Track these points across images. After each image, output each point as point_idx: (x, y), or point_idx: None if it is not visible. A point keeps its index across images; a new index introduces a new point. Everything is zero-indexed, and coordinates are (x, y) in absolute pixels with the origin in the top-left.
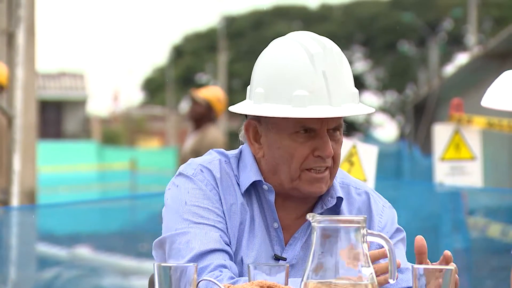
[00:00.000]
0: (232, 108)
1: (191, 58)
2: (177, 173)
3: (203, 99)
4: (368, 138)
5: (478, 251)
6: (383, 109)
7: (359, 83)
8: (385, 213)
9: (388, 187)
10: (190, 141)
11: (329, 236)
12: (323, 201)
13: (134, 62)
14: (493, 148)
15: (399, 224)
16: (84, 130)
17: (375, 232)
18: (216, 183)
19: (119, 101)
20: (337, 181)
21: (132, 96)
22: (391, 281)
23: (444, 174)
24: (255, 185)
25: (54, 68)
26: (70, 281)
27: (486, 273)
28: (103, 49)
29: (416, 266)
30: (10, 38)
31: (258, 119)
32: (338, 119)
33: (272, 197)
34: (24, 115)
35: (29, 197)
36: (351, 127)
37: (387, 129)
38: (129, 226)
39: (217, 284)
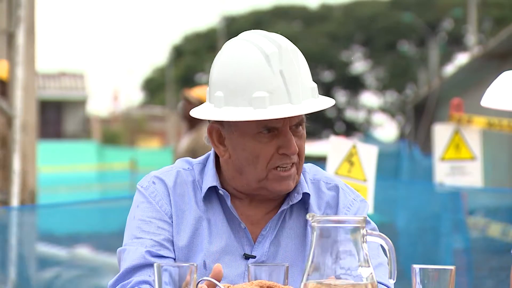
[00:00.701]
0: (193, 113)
1: (191, 58)
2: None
3: (195, 98)
4: (368, 138)
5: (478, 251)
6: (383, 109)
7: (359, 83)
8: (354, 205)
9: (388, 187)
10: (184, 141)
11: (328, 236)
12: (290, 197)
13: (134, 62)
14: (493, 148)
15: (399, 224)
16: (84, 130)
17: (375, 232)
18: (168, 192)
19: (119, 101)
20: (307, 177)
21: (132, 96)
22: (391, 281)
23: (444, 174)
24: (216, 190)
25: (54, 68)
26: (70, 281)
27: (486, 273)
28: (103, 49)
29: (415, 266)
30: (10, 38)
31: (221, 122)
32: (301, 115)
33: (228, 202)
34: (24, 115)
35: (29, 197)
36: (351, 127)
37: (387, 129)
38: None
39: (217, 285)
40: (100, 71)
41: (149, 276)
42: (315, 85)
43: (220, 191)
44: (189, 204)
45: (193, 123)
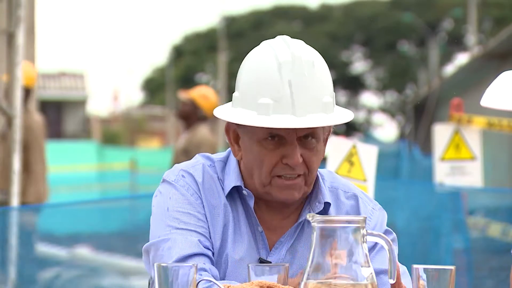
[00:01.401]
0: (215, 111)
1: (191, 58)
2: (162, 179)
3: (187, 98)
4: (368, 138)
5: (478, 251)
6: (383, 109)
7: (359, 83)
8: (374, 215)
9: (388, 187)
10: (181, 141)
11: (329, 236)
12: (311, 205)
13: (134, 62)
14: (493, 148)
15: (399, 224)
16: (84, 130)
17: (375, 232)
18: (198, 187)
19: (119, 101)
20: (326, 184)
21: (132, 96)
22: (391, 281)
23: (444, 174)
24: (238, 189)
25: (54, 68)
26: (70, 281)
27: (486, 273)
28: (103, 49)
29: (415, 266)
30: (10, 38)
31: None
32: (311, 127)
33: (251, 203)
34: (24, 115)
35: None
36: (351, 127)
37: (387, 129)
38: (129, 226)
39: (217, 284)
40: (100, 71)
41: (204, 263)
42: (331, 100)
43: (244, 191)
44: (219, 199)
45: (189, 123)
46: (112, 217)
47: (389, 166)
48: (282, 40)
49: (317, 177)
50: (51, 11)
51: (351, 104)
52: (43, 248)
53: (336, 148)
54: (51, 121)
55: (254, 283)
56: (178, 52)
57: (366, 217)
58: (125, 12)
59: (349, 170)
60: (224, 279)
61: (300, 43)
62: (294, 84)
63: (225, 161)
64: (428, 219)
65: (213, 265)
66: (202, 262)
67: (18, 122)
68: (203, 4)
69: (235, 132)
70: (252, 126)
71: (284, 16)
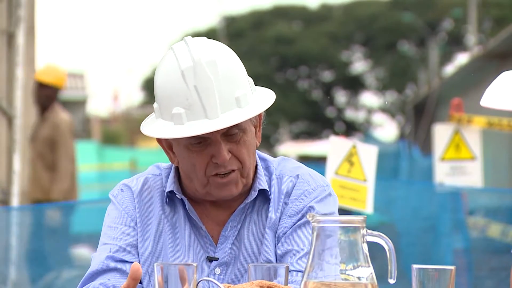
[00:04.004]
0: (142, 126)
1: None
2: None
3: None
4: (368, 138)
5: (478, 251)
6: (383, 109)
7: (359, 83)
8: (311, 195)
9: (387, 187)
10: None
11: (329, 236)
12: (247, 195)
13: (134, 62)
14: (493, 148)
15: (399, 224)
16: (84, 130)
17: (375, 232)
18: (134, 199)
19: (119, 101)
20: (274, 172)
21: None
22: (391, 281)
23: (444, 174)
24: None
25: None
26: (70, 281)
27: (486, 273)
28: (103, 49)
29: (415, 266)
30: (10, 38)
31: None
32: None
33: (187, 205)
34: (24, 115)
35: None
36: (351, 127)
37: (387, 129)
38: None
39: (217, 284)
40: (100, 71)
41: (108, 279)
42: (243, 92)
43: (177, 195)
44: (154, 209)
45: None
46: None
47: (389, 166)
48: (184, 44)
49: (256, 165)
50: (51, 11)
51: (351, 104)
52: (44, 248)
53: (336, 148)
54: None
55: (254, 283)
56: None
57: (366, 217)
58: (125, 12)
59: (349, 170)
60: None
61: (201, 42)
62: (200, 88)
63: (171, 167)
64: (428, 219)
65: (124, 278)
66: (107, 278)
67: (18, 122)
68: (203, 4)
69: (166, 140)
70: None
71: (284, 16)
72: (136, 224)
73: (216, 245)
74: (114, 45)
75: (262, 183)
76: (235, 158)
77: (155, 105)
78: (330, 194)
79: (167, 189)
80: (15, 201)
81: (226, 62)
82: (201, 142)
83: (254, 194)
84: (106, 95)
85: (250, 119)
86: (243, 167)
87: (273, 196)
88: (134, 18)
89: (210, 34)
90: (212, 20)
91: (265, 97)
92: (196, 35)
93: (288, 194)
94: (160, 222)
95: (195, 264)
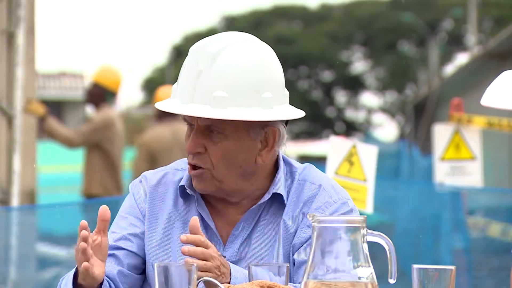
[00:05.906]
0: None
1: None
2: None
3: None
4: (368, 138)
5: (478, 251)
6: (383, 109)
7: (359, 83)
8: (332, 207)
9: (388, 187)
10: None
11: (329, 235)
12: (261, 197)
13: (134, 62)
14: (493, 148)
15: (399, 224)
16: None
17: (375, 232)
18: (148, 191)
19: (119, 101)
20: (297, 178)
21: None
22: (391, 281)
23: (444, 174)
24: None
25: (54, 68)
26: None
27: (486, 273)
28: (103, 49)
29: (415, 266)
30: (10, 38)
31: None
32: (208, 119)
33: (196, 202)
34: (24, 115)
35: (29, 197)
36: (351, 127)
37: (387, 129)
38: None
39: (217, 284)
40: None
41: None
42: (225, 95)
43: (187, 191)
44: (166, 204)
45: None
46: (112, 217)
47: (389, 166)
48: (228, 33)
49: (277, 169)
50: (51, 11)
51: (351, 104)
52: (43, 248)
53: (336, 148)
54: None
55: (255, 283)
56: (178, 52)
57: (366, 217)
58: (125, 12)
59: (349, 170)
60: None
61: (227, 36)
62: (186, 70)
63: None
64: (428, 219)
65: (121, 266)
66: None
67: (18, 122)
68: (203, 4)
69: None
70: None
71: (284, 16)
72: (144, 217)
73: (225, 244)
74: (114, 45)
75: (278, 187)
76: (208, 157)
77: None
78: (352, 210)
79: (180, 183)
80: (15, 201)
81: (228, 62)
82: (191, 126)
83: (267, 196)
84: None
85: (235, 130)
86: (215, 170)
87: (290, 202)
88: (134, 18)
89: (210, 34)
90: (212, 20)
91: (245, 112)
92: (196, 35)
93: (307, 204)
94: (171, 218)
95: (195, 264)
